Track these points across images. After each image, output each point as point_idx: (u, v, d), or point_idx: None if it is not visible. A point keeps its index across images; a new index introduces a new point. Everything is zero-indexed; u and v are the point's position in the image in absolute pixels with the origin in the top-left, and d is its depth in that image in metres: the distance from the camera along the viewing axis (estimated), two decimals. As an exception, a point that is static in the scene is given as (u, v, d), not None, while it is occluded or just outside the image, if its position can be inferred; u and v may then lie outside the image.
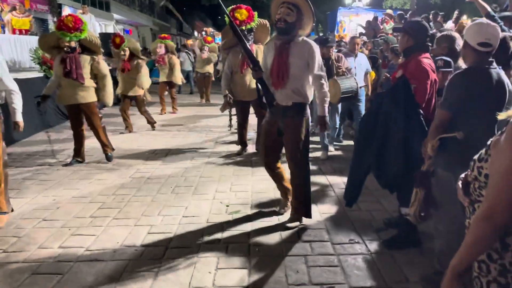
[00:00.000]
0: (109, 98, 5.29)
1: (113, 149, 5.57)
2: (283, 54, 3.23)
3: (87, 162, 5.37)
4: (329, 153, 5.59)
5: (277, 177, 3.65)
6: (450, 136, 2.33)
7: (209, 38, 12.28)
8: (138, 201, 4.06)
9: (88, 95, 5.08)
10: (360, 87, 5.74)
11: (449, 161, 2.38)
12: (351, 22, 15.97)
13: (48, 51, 5.34)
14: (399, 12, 11.03)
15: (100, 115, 5.30)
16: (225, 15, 3.38)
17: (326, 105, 3.35)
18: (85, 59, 5.01)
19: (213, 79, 11.60)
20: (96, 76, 5.15)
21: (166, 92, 9.53)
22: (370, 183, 3.32)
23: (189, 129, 7.77)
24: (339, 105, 5.58)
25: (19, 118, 4.06)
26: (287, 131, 3.33)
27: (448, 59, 3.18)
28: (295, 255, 2.98)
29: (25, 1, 14.58)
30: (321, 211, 3.77)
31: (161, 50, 9.04)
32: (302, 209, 3.44)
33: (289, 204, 3.65)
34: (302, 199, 3.42)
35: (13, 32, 9.95)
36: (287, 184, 3.65)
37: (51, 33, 5.72)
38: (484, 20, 2.42)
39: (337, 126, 5.89)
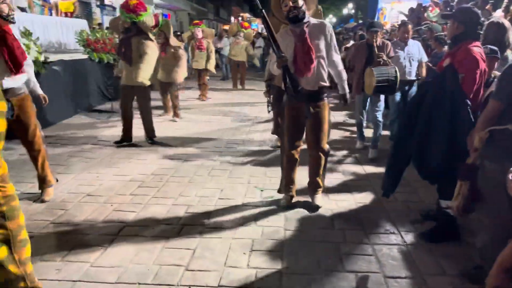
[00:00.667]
0: (140, 74, 5.07)
1: (154, 136, 5.63)
2: (304, 41, 3.22)
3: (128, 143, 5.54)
4: (366, 143, 5.40)
5: (294, 164, 3.64)
6: (501, 129, 2.25)
7: (246, 24, 12.08)
8: (175, 181, 4.17)
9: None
10: (413, 80, 5.40)
11: (497, 154, 2.29)
12: (393, 10, 15.50)
13: (118, 32, 5.62)
14: (444, 0, 10.56)
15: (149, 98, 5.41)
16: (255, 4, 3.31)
17: (345, 83, 3.50)
18: (136, 42, 5.12)
19: (247, 66, 11.54)
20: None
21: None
22: (408, 173, 3.26)
23: (224, 114, 7.85)
24: (382, 98, 5.03)
25: (41, 90, 3.79)
26: (313, 115, 3.37)
27: (495, 47, 3.04)
28: (329, 242, 3.00)
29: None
30: (356, 200, 3.75)
31: (199, 34, 8.86)
32: (321, 185, 3.66)
33: (293, 194, 3.70)
34: (323, 175, 3.67)
35: (60, 14, 10.32)
36: (295, 175, 3.68)
37: (113, 19, 6.10)
38: None
39: (380, 121, 5.06)
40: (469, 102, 2.74)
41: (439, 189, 3.11)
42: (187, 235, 3.06)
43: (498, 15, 8.08)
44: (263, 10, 3.17)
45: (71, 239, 2.98)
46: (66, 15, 10.69)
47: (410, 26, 5.55)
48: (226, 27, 29.31)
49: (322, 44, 3.28)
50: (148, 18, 5.18)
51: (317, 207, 3.55)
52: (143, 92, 5.29)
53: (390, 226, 3.26)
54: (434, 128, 2.84)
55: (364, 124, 5.44)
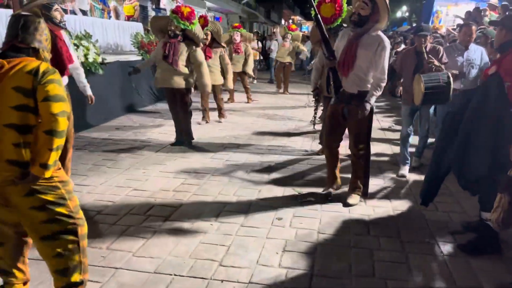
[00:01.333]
0: (206, 84, 5.46)
1: (192, 139, 5.69)
2: (353, 45, 3.40)
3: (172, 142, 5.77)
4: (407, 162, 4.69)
5: (333, 161, 3.87)
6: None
7: (293, 26, 11.91)
8: (216, 180, 4.32)
9: (181, 81, 5.30)
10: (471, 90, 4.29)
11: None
12: (449, 12, 14.89)
13: (156, 32, 5.64)
14: (503, 2, 10.02)
15: (190, 102, 5.53)
16: (311, 7, 3.51)
17: (375, 96, 3.45)
18: (184, 47, 5.24)
19: (293, 69, 11.38)
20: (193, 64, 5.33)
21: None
22: (451, 183, 3.19)
23: (267, 117, 7.95)
24: (431, 110, 4.70)
25: (90, 92, 4.26)
26: (351, 117, 3.52)
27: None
28: (363, 248, 3.00)
29: (128, -11, 15.86)
30: (394, 207, 3.71)
31: (238, 38, 8.88)
32: (362, 189, 3.77)
33: (331, 190, 3.91)
34: (363, 178, 3.74)
35: (126, 18, 10.94)
36: (337, 173, 3.94)
37: (163, 16, 6.07)
38: None
39: (427, 134, 4.72)
40: (514, 112, 2.64)
41: (480, 200, 3.03)
42: (223, 232, 3.18)
43: None
44: (318, 14, 3.45)
45: (116, 229, 3.20)
46: (128, 18, 11.28)
47: (474, 28, 4.78)
48: (275, 29, 29.52)
49: (369, 55, 3.38)
50: (198, 27, 5.31)
51: (348, 205, 3.69)
52: (184, 95, 5.40)
53: (427, 235, 3.20)
54: (477, 138, 2.76)
55: (410, 140, 4.72)
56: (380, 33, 3.43)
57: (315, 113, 5.49)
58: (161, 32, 5.43)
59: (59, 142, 1.90)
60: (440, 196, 3.17)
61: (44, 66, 1.92)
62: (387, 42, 3.38)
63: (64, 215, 2.03)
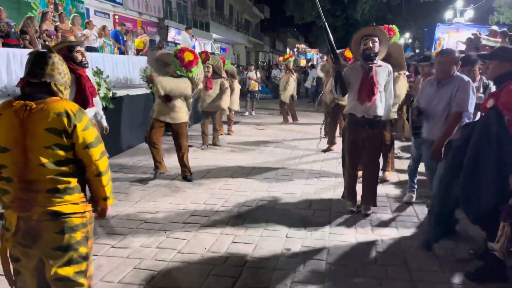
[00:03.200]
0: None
1: (191, 173, 5.60)
2: (371, 76, 3.92)
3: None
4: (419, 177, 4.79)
5: (356, 177, 4.35)
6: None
7: (287, 55, 11.91)
8: (225, 211, 4.40)
9: (179, 116, 5.35)
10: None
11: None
12: (450, 38, 15.14)
13: (155, 65, 5.64)
14: (502, 29, 10.21)
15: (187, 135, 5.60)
16: (323, 26, 4.04)
17: (391, 115, 4.31)
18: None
19: (287, 101, 10.96)
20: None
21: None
22: (457, 210, 3.23)
23: (275, 145, 8.07)
24: None
25: (105, 123, 4.78)
26: (369, 140, 4.10)
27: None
28: (370, 277, 3.03)
29: (138, 24, 16.43)
30: (401, 236, 3.74)
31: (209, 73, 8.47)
32: (374, 199, 4.30)
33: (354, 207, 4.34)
34: (374, 191, 4.29)
35: (135, 53, 11.35)
36: (356, 186, 4.37)
37: (167, 53, 6.06)
38: None
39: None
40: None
41: (484, 229, 3.06)
42: (233, 263, 3.24)
43: None
44: (325, 23, 4.00)
45: (128, 262, 3.27)
46: (137, 52, 11.67)
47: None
48: (280, 58, 29.97)
49: (383, 83, 4.03)
50: (199, 71, 5.37)
51: (366, 215, 4.19)
52: (181, 129, 5.42)
53: (435, 264, 3.22)
54: (482, 174, 2.79)
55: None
56: (385, 63, 4.14)
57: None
58: (162, 65, 5.44)
59: (108, 177, 2.13)
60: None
61: (72, 106, 2.00)
62: (391, 69, 4.14)
63: (83, 256, 2.08)
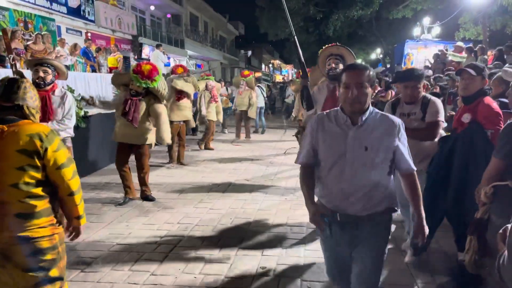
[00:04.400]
0: (166, 137, 5.35)
1: (151, 192, 5.51)
2: (335, 94, 3.72)
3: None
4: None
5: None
6: (503, 184, 2.31)
7: (246, 72, 11.74)
8: (199, 230, 4.34)
9: (142, 138, 5.23)
10: None
11: (503, 209, 2.35)
12: (419, 54, 15.68)
13: (118, 86, 5.72)
14: (468, 45, 10.66)
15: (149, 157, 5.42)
16: (292, 37, 4.08)
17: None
18: (144, 104, 5.20)
19: (254, 117, 11.20)
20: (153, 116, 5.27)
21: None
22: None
23: (251, 162, 8.07)
24: None
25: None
26: None
27: (506, 100, 3.13)
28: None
29: (111, 41, 16.31)
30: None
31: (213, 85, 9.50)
32: None
33: None
34: None
35: (108, 70, 11.24)
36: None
37: (126, 72, 6.02)
38: None
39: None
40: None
41: (456, 241, 3.12)
42: (208, 285, 3.19)
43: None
44: (295, 37, 4.01)
45: (99, 287, 3.17)
46: (110, 70, 11.54)
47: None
48: (258, 74, 30.14)
49: None
50: (161, 82, 5.28)
51: None
52: (143, 150, 5.31)
53: (408, 277, 3.26)
54: (470, 186, 2.84)
55: None
56: None
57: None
58: (124, 86, 5.38)
59: (80, 196, 2.20)
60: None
61: (44, 129, 2.09)
62: None
63: (56, 278, 2.11)
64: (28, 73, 4.42)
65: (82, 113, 6.59)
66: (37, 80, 3.93)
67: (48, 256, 2.07)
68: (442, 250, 3.73)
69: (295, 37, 4.08)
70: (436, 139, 3.28)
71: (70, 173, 2.13)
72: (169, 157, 7.71)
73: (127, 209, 5.10)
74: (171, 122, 7.39)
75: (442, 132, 3.34)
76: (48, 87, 4.04)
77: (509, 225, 1.49)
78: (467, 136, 2.96)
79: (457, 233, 3.09)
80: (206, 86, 9.25)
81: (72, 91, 6.59)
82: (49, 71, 4.02)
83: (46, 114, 3.95)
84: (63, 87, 6.72)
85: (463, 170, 2.92)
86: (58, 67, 4.15)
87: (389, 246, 3.80)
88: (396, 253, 3.69)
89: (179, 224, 4.54)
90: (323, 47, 4.09)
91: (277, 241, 4.01)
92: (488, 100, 2.99)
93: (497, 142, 2.42)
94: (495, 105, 2.95)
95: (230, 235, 4.21)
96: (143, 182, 5.44)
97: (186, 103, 7.63)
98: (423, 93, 3.36)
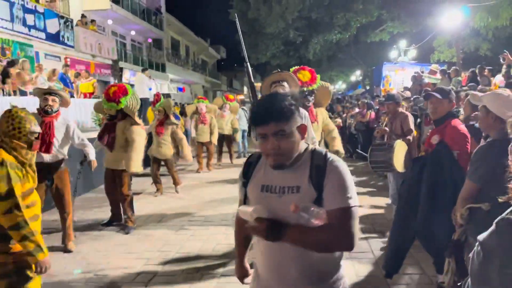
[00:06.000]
0: (132, 165, 4.96)
1: (133, 224, 5.25)
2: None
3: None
4: (370, 210, 5.33)
5: None
6: (477, 207, 2.34)
7: (231, 96, 11.49)
8: (179, 258, 4.25)
9: (119, 163, 5.11)
10: None
11: (478, 231, 2.37)
12: (397, 76, 16.09)
13: (100, 112, 5.90)
14: (442, 68, 11.01)
15: (130, 183, 5.32)
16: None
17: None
18: (121, 127, 5.10)
19: (237, 140, 11.09)
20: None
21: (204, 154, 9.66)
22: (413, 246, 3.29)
23: (233, 185, 8.00)
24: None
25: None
26: None
27: (477, 125, 3.21)
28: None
29: (91, 66, 16.23)
30: (357, 273, 3.75)
31: (204, 109, 9.13)
32: None
33: None
34: None
35: (79, 96, 11.07)
36: None
37: (98, 102, 5.96)
38: None
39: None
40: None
41: (435, 263, 3.13)
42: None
43: (498, 81, 8.34)
44: (248, 63, 3.57)
45: (74, 322, 3.05)
46: (85, 96, 11.42)
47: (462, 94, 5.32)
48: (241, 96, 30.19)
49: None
50: (130, 100, 5.12)
51: None
52: (122, 176, 5.18)
53: (391, 302, 3.24)
54: (438, 206, 2.88)
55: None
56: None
57: None
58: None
59: (24, 231, 2.12)
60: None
61: None
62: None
63: None
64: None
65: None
66: (45, 108, 4.30)
67: None
68: (423, 272, 3.73)
69: (247, 63, 3.93)
70: None
71: (3, 207, 2.12)
72: (173, 182, 7.34)
73: (107, 236, 4.98)
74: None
75: None
76: (54, 114, 4.39)
77: (470, 254, 1.50)
78: (435, 156, 3.02)
79: (433, 254, 3.10)
80: (197, 109, 9.23)
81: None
82: (57, 100, 4.40)
83: (47, 137, 4.28)
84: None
85: (430, 191, 2.96)
86: (64, 97, 4.55)
87: (371, 269, 3.82)
88: (378, 272, 3.68)
89: (159, 252, 4.44)
90: (265, 79, 4.01)
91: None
92: (456, 122, 3.09)
93: (469, 166, 2.47)
94: (462, 127, 3.04)
95: (211, 262, 4.13)
96: (124, 209, 5.29)
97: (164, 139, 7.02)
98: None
